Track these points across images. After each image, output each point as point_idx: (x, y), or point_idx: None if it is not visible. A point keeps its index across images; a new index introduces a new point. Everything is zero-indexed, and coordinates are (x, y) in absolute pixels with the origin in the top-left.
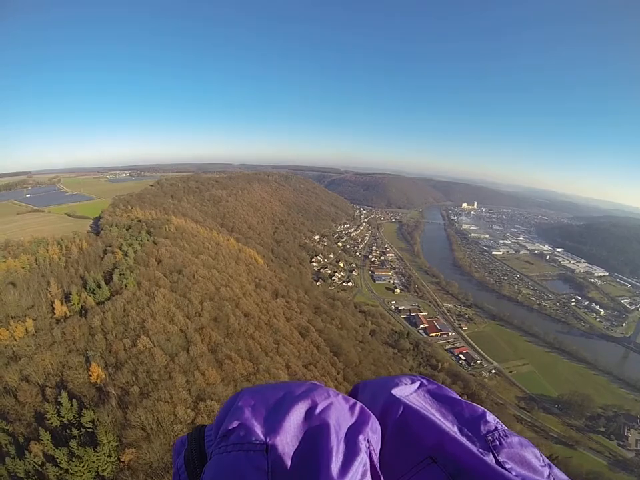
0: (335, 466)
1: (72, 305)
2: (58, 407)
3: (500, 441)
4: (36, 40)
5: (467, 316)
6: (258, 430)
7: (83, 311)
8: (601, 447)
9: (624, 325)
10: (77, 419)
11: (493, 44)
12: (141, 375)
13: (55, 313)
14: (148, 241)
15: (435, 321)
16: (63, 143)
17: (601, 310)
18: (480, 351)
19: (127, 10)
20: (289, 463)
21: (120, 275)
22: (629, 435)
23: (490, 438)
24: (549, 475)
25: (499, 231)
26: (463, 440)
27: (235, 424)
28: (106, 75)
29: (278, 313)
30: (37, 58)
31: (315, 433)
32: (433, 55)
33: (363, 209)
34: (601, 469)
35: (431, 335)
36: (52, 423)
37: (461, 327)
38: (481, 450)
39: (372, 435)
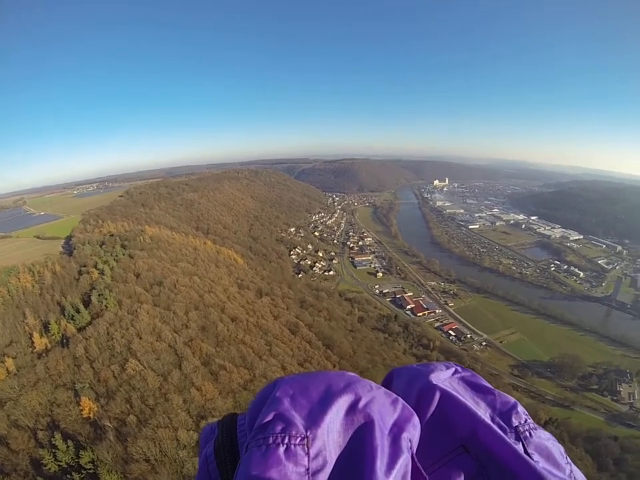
0: (381, 465)
1: (52, 334)
2: (54, 450)
3: (530, 433)
4: None
5: (451, 292)
6: (298, 423)
7: (65, 340)
8: (596, 404)
9: (603, 284)
10: (76, 460)
11: (451, 18)
12: (136, 401)
13: (35, 347)
14: (123, 255)
15: (421, 300)
16: (26, 162)
17: (580, 272)
18: (468, 325)
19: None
20: (330, 459)
21: (99, 295)
22: (620, 389)
23: (521, 429)
24: (570, 473)
25: (473, 205)
26: (497, 429)
27: (273, 415)
28: (62, 87)
29: (265, 312)
30: None
31: (360, 429)
32: (390, 34)
33: (336, 196)
34: (599, 426)
35: (418, 314)
36: (50, 469)
37: (447, 304)
38: (512, 441)
39: (413, 433)
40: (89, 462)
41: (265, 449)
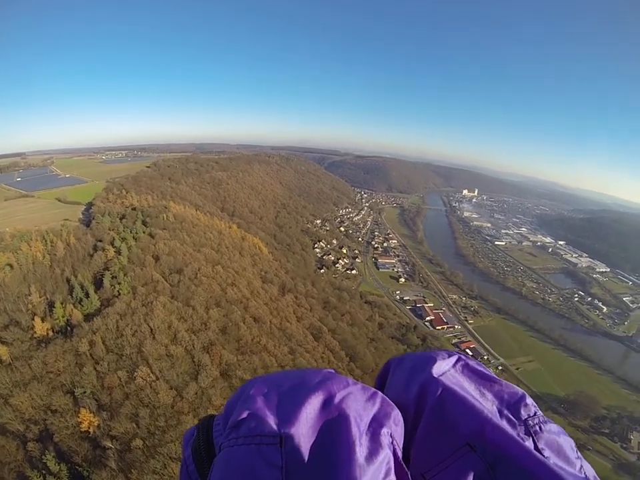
0: (358, 462)
1: (56, 318)
2: (44, 472)
3: (540, 427)
4: (28, 22)
5: (472, 308)
6: (271, 421)
7: (69, 328)
8: (605, 449)
9: (626, 323)
10: None
11: (496, 31)
12: (144, 421)
13: (34, 332)
14: (144, 233)
15: (441, 313)
16: (59, 123)
17: (604, 307)
18: (486, 345)
19: None
20: (305, 457)
21: (112, 278)
22: (631, 437)
23: (531, 423)
24: (581, 468)
25: (501, 220)
26: (505, 426)
27: (246, 414)
28: (101, 55)
29: (288, 313)
30: (29, 39)
31: (334, 426)
32: (434, 40)
33: (364, 193)
34: (606, 473)
35: (437, 327)
36: None
37: (467, 320)
38: (522, 436)
39: (395, 428)
40: None
41: (238, 449)
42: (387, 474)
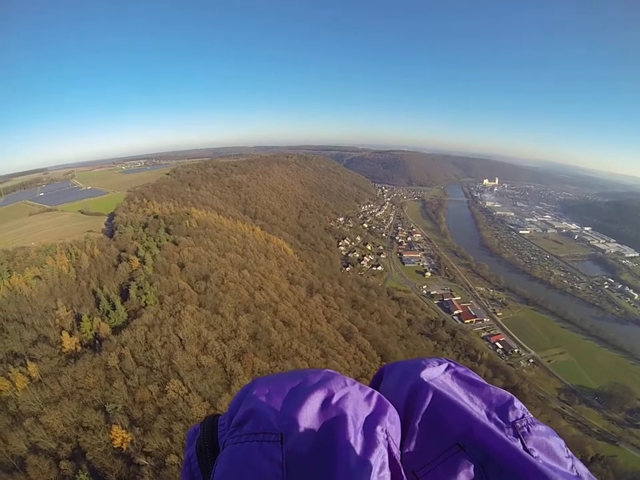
0: (353, 458)
1: (83, 332)
2: None
3: (528, 429)
4: (39, 38)
5: (500, 300)
6: (272, 419)
7: (97, 342)
8: None
9: None
10: None
11: (509, 17)
12: (178, 436)
13: (63, 347)
14: (167, 241)
15: (469, 306)
16: (78, 137)
17: (635, 294)
18: (516, 338)
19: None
20: (304, 453)
21: (138, 288)
22: None
23: (518, 425)
24: (572, 467)
25: (524, 209)
26: (493, 426)
27: (249, 413)
28: (115, 66)
29: (318, 314)
30: (41, 56)
31: (332, 424)
32: (446, 31)
33: (385, 188)
34: None
35: (465, 321)
36: None
37: (495, 313)
38: (510, 437)
39: (390, 426)
40: None
41: (241, 446)
42: (381, 468)
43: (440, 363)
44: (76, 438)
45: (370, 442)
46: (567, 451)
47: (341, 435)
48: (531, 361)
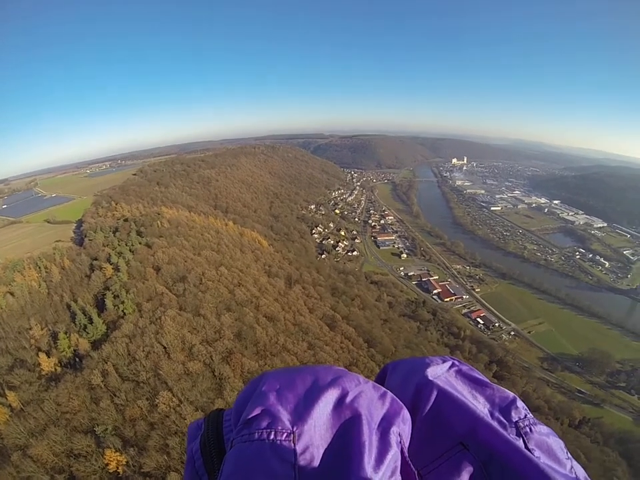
0: (369, 460)
1: (61, 351)
2: None
3: (530, 429)
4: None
5: (477, 277)
6: (284, 418)
7: (77, 359)
8: (623, 402)
9: (629, 276)
10: None
11: None
12: (175, 451)
13: (42, 369)
14: (140, 244)
15: (447, 284)
16: (39, 143)
17: (605, 262)
18: (496, 312)
19: None
20: (317, 455)
21: (114, 297)
22: None
23: (521, 424)
24: (571, 468)
25: (494, 186)
26: (496, 426)
27: (259, 410)
28: (73, 69)
29: (300, 305)
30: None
31: (347, 424)
32: (408, 9)
33: (354, 172)
34: (628, 426)
35: (445, 300)
36: None
37: (473, 289)
38: (512, 437)
39: (403, 427)
40: None
41: (251, 445)
42: (393, 472)
43: (444, 361)
44: (69, 467)
45: (385, 444)
46: (567, 453)
47: (355, 436)
48: (512, 333)
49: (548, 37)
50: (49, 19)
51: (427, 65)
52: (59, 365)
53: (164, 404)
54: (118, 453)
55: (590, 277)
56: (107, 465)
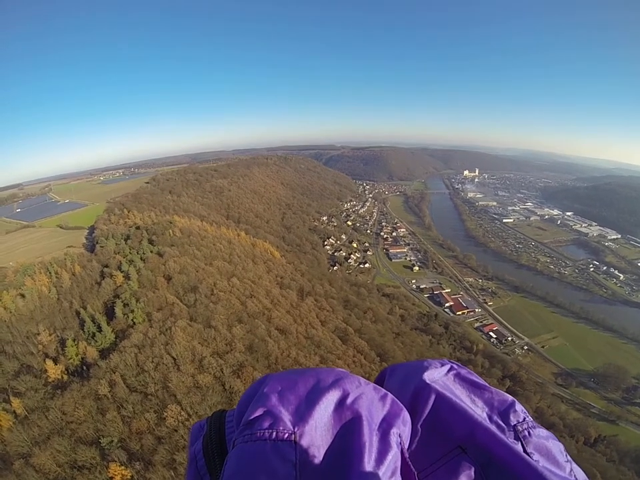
0: (369, 461)
1: (69, 358)
2: None
3: (529, 432)
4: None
5: (490, 290)
6: (286, 418)
7: (84, 367)
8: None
9: None
10: None
11: (480, 5)
12: (182, 467)
13: (48, 376)
14: (151, 252)
15: (459, 297)
16: (54, 150)
17: (620, 274)
18: (509, 326)
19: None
20: (318, 455)
21: (124, 306)
22: None
23: (519, 428)
24: (570, 471)
25: (506, 197)
26: (494, 429)
27: (261, 411)
28: (88, 77)
29: (312, 318)
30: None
31: (348, 425)
32: (419, 21)
33: (366, 184)
34: None
35: (457, 313)
36: None
37: (486, 302)
38: (511, 440)
39: (403, 428)
40: None
41: (252, 445)
42: (393, 472)
43: (442, 365)
44: (72, 478)
45: (385, 445)
46: (566, 456)
47: (356, 437)
48: (526, 347)
49: (558, 46)
50: (67, 25)
51: (436, 75)
52: (66, 372)
53: (172, 417)
54: (123, 467)
55: (604, 290)
56: (111, 478)
